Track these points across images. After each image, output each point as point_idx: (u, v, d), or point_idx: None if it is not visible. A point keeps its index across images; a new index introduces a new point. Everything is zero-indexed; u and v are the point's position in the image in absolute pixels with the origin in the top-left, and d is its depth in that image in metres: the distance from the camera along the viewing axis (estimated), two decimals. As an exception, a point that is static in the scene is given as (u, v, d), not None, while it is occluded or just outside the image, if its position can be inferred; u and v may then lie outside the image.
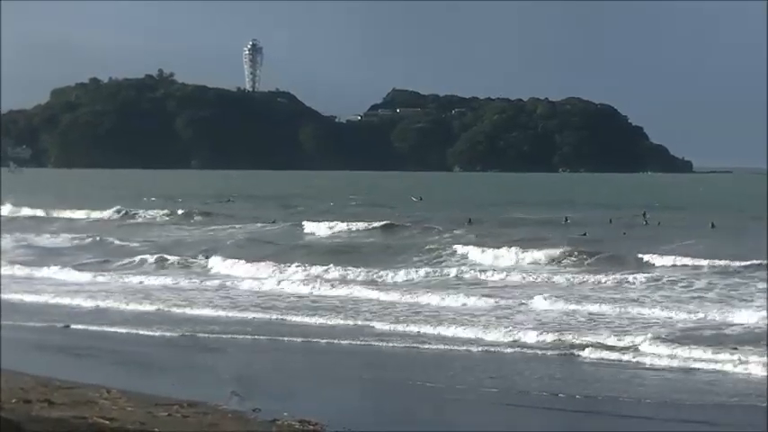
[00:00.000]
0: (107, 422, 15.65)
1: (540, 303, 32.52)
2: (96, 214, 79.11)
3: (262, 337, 27.99)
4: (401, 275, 41.34)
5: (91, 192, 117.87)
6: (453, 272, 42.04)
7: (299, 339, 27.61)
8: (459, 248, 49.38)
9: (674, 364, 23.49)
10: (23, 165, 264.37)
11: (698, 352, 24.03)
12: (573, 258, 45.52)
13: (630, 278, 38.56)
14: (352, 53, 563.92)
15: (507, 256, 46.67)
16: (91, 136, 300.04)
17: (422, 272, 42.17)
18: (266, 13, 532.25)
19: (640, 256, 44.47)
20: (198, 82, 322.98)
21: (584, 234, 60.25)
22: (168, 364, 24.83)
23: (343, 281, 40.26)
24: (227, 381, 22.14)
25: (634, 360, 23.94)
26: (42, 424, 14.32)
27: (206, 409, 18.04)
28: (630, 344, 25.27)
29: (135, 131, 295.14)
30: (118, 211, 79.94)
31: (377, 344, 26.66)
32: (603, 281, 38.61)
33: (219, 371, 24.04)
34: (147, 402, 18.24)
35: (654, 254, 44.63)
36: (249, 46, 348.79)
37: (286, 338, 27.76)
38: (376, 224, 64.71)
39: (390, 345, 26.51)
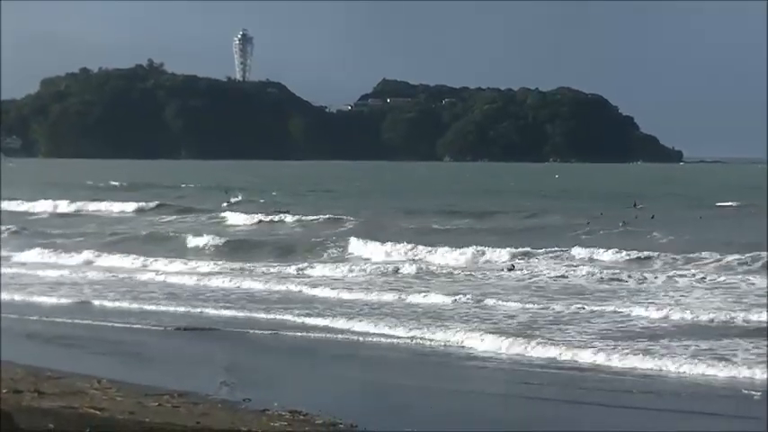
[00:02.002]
0: (97, 412, 15.68)
1: (415, 298, 33.00)
2: (41, 205, 77.66)
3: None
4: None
5: (55, 181, 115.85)
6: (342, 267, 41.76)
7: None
8: (358, 243, 48.53)
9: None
10: (13, 155, 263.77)
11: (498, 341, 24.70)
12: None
13: (550, 273, 38.20)
14: (343, 43, 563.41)
15: (405, 250, 46.26)
16: (81, 126, 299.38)
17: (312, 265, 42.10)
18: (256, 2, 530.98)
19: (578, 250, 43.88)
20: (188, 72, 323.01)
21: (588, 223, 60.42)
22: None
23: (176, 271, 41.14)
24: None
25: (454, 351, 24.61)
26: (33, 414, 14.34)
27: (196, 398, 18.08)
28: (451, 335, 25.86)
29: (125, 121, 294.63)
30: (56, 204, 78.78)
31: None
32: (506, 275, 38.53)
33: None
34: (138, 392, 18.28)
35: (594, 247, 44.24)
36: (239, 36, 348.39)
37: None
38: (313, 217, 64.14)
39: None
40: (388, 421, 17.04)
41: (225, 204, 78.91)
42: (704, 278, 35.78)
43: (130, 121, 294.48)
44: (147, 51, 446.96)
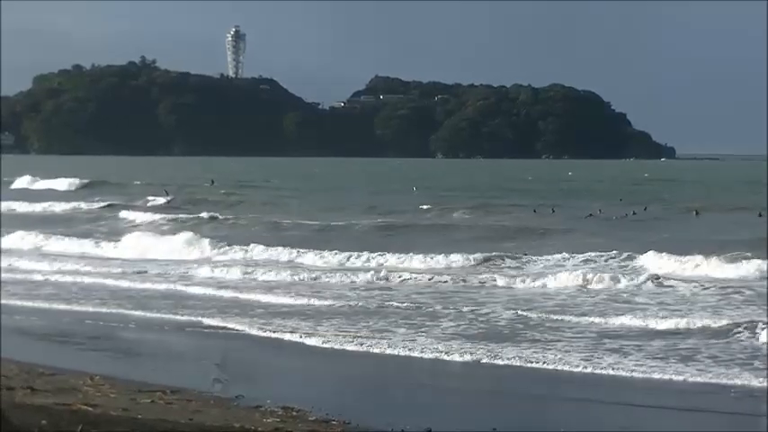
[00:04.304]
0: (90, 409, 15.66)
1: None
2: None
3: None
4: None
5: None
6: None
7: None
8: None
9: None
10: (7, 152, 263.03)
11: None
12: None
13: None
14: (335, 40, 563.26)
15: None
16: (74, 123, 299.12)
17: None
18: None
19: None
20: (180, 69, 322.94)
21: (590, 215, 60.95)
22: None
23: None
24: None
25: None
26: (25, 411, 14.31)
27: (189, 395, 18.10)
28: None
29: (118, 118, 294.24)
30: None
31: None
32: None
33: None
34: (131, 389, 18.29)
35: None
36: (232, 32, 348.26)
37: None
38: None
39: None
40: (381, 418, 17.04)
41: (163, 201, 78.51)
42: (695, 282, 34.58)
43: (123, 118, 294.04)
44: (140, 48, 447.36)
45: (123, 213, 67.21)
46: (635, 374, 20.76)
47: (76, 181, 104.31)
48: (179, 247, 47.43)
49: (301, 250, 44.42)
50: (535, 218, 61.64)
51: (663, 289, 32.91)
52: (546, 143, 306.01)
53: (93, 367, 20.88)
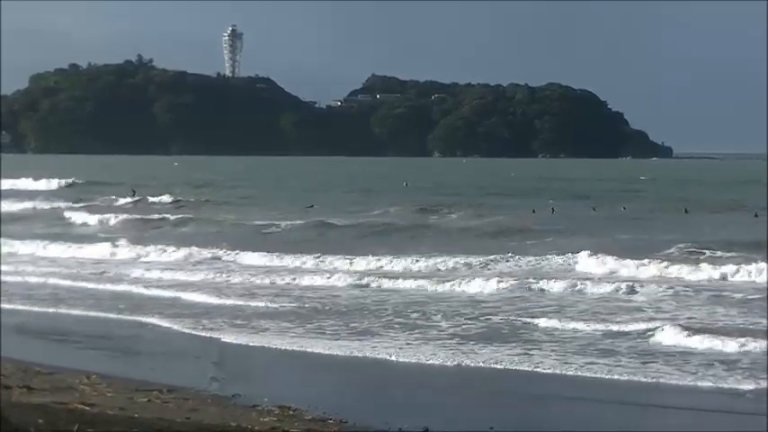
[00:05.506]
0: (87, 408, 15.66)
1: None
2: None
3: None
4: None
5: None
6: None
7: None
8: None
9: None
10: (4, 150, 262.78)
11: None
12: None
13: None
14: (332, 39, 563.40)
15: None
16: (70, 122, 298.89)
17: None
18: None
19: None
20: (177, 68, 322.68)
21: (594, 209, 61.53)
22: None
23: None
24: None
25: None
26: (22, 410, 14.30)
27: (186, 394, 18.11)
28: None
29: (115, 117, 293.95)
30: None
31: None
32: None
33: None
34: (128, 388, 18.30)
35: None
36: (229, 31, 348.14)
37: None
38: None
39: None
40: (378, 417, 17.05)
41: (128, 201, 78.22)
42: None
43: (121, 117, 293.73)
44: (139, 48, 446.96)
45: (68, 213, 66.75)
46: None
47: (54, 181, 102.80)
48: (113, 249, 46.44)
49: (277, 254, 42.49)
50: (533, 217, 61.47)
51: (592, 291, 32.39)
52: (543, 142, 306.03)
53: (94, 366, 20.92)
